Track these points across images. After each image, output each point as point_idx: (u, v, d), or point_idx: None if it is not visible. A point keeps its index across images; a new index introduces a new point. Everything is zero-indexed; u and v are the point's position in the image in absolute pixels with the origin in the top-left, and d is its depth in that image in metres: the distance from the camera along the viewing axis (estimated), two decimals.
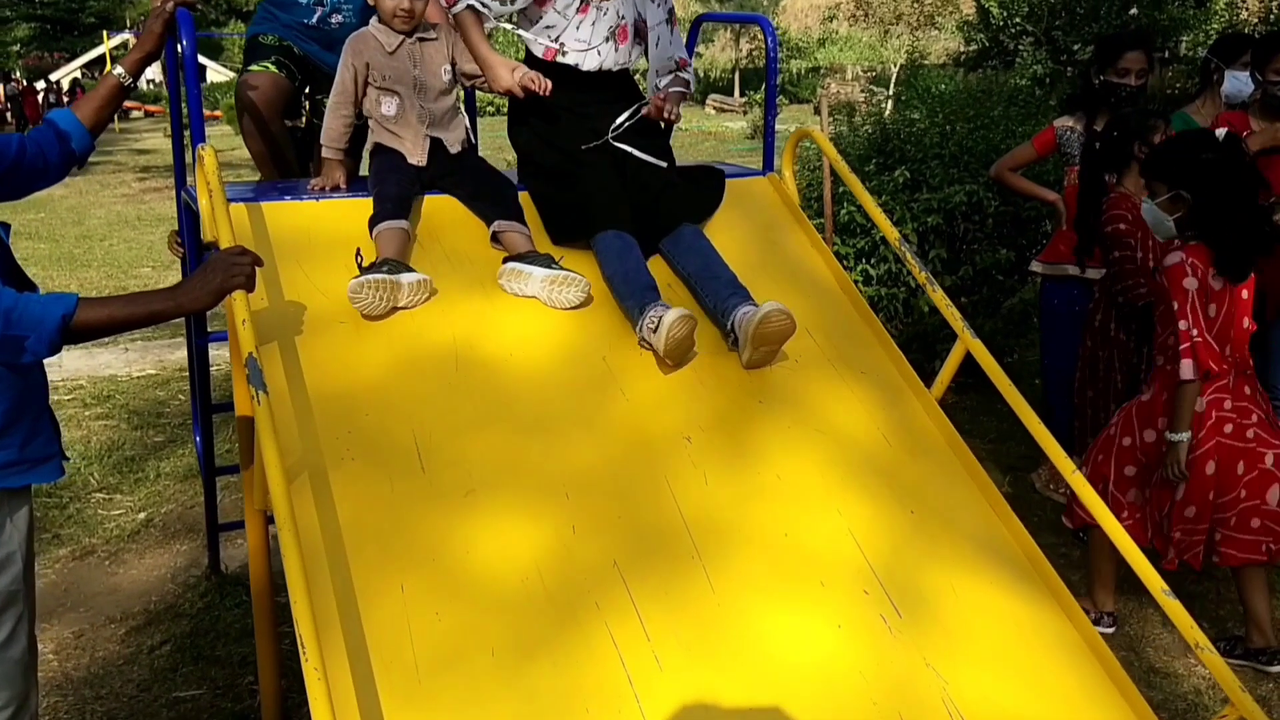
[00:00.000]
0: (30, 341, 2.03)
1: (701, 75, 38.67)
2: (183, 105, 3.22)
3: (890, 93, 22.85)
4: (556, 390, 2.60)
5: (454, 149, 3.04)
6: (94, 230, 13.19)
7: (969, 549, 2.47)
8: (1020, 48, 18.66)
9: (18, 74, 36.76)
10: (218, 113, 26.16)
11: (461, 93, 3.19)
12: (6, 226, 2.35)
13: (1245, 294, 3.31)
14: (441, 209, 3.01)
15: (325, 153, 3.04)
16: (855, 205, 5.52)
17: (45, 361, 2.27)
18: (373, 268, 2.60)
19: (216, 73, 34.56)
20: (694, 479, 2.48)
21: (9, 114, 29.36)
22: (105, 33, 35.58)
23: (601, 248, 2.86)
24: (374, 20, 2.99)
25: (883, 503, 2.54)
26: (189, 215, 3.13)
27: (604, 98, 3.10)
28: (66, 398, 6.36)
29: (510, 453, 2.44)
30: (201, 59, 34.50)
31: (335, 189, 2.99)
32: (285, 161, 3.53)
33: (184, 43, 2.79)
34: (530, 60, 3.07)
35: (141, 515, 4.69)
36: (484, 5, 2.95)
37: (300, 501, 2.15)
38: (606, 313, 2.83)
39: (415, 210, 2.93)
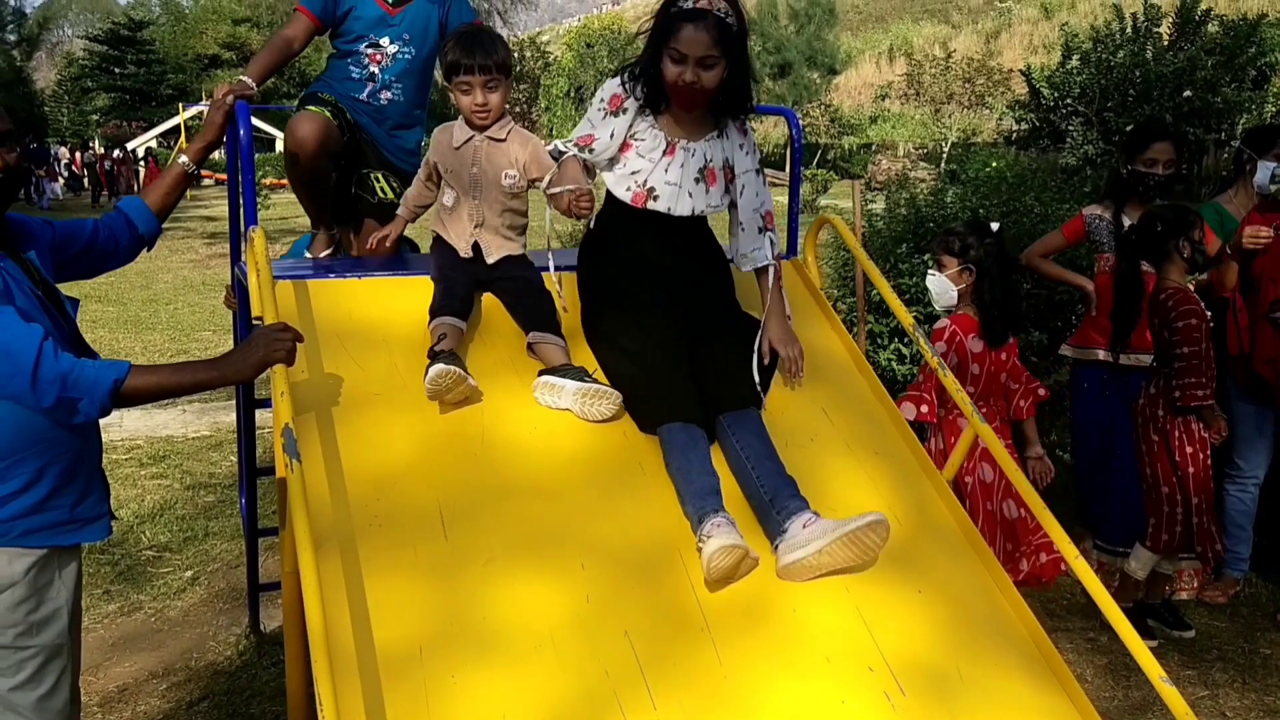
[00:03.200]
0: (83, 404, 2.21)
1: None
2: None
3: (941, 170, 23.08)
4: (577, 464, 2.71)
5: (490, 257, 3.01)
6: (160, 294, 13.66)
7: (975, 631, 2.53)
8: (1070, 128, 18.72)
9: (96, 142, 38.21)
10: (284, 181, 26.98)
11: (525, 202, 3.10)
12: (75, 303, 2.54)
13: (1004, 356, 3.84)
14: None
15: (399, 209, 3.27)
16: (892, 285, 5.62)
17: (104, 421, 2.45)
18: (440, 356, 2.67)
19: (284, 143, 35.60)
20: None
21: (86, 180, 30.49)
22: (181, 104, 37.01)
23: (667, 439, 2.72)
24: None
25: (891, 582, 2.60)
26: (242, 288, 3.32)
27: (689, 246, 2.98)
28: (124, 457, 6.60)
29: (530, 523, 2.55)
30: (271, 129, 35.70)
31: (383, 241, 3.25)
32: (322, 201, 3.55)
33: (241, 131, 3.00)
34: (616, 206, 2.95)
35: (188, 574, 4.85)
36: (580, 150, 2.90)
37: (328, 564, 2.28)
38: None
39: (474, 303, 3.00)
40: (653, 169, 2.88)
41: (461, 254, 3.01)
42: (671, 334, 2.86)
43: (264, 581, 4.22)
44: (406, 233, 3.48)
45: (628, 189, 2.90)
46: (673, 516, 2.62)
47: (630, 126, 2.89)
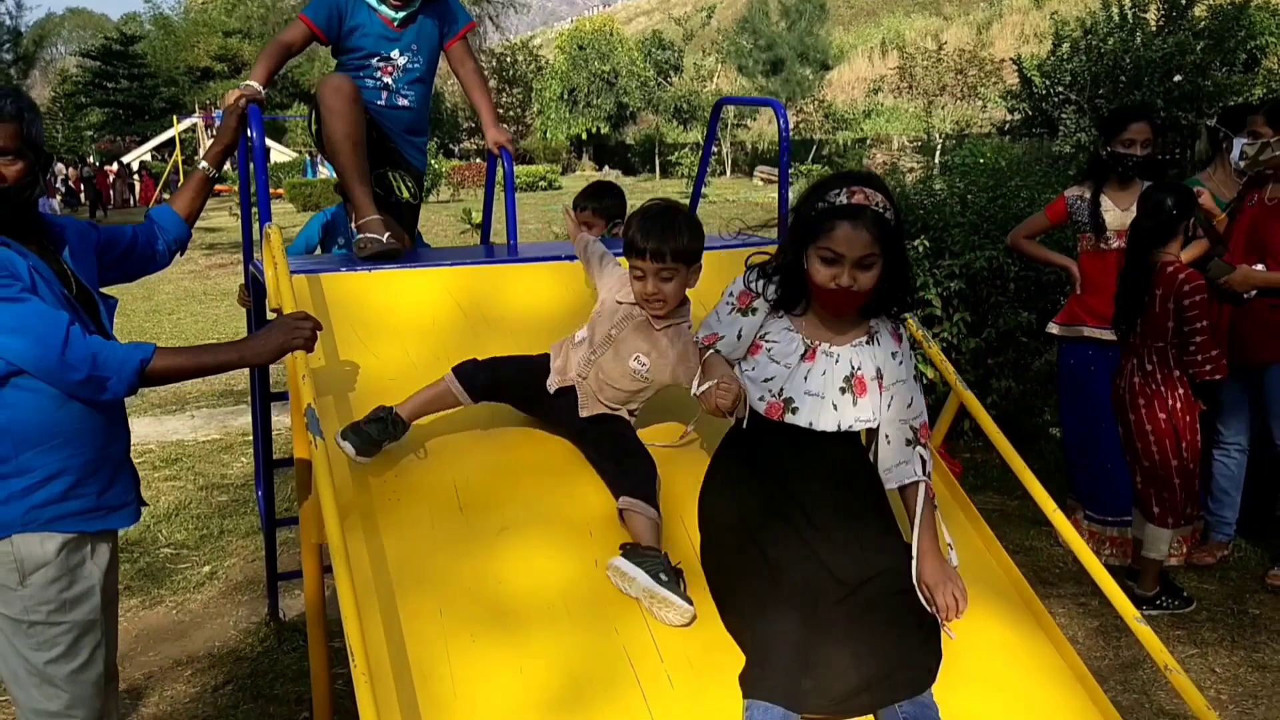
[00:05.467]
0: (112, 382, 2.36)
1: (749, 148, 39.32)
2: (251, 187, 3.58)
3: (936, 162, 23.21)
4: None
5: (584, 411, 2.73)
6: (163, 305, 13.80)
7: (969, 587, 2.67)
8: (1063, 116, 18.85)
9: (92, 157, 38.37)
10: (280, 191, 27.17)
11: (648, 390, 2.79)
12: (114, 303, 2.70)
13: None
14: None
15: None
16: None
17: None
18: (371, 420, 2.60)
19: (280, 154, 35.83)
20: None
21: (83, 195, 30.67)
22: (175, 117, 37.18)
23: (748, 716, 2.26)
24: None
25: None
26: (256, 284, 3.46)
27: (838, 466, 2.56)
28: (137, 460, 6.70)
29: (540, 497, 2.69)
30: (267, 141, 35.92)
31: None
32: (362, 160, 3.41)
33: (253, 134, 3.15)
34: (752, 416, 2.55)
35: (206, 569, 4.99)
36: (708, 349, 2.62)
37: (351, 535, 2.42)
38: None
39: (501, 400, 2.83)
40: (789, 376, 2.52)
41: (549, 385, 2.76)
42: (803, 584, 2.37)
43: (282, 571, 4.36)
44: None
45: (761, 398, 2.53)
46: (676, 487, 2.77)
47: (760, 327, 2.57)
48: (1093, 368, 4.59)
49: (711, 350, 2.60)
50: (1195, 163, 17.21)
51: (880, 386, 2.53)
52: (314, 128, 3.46)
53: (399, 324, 3.03)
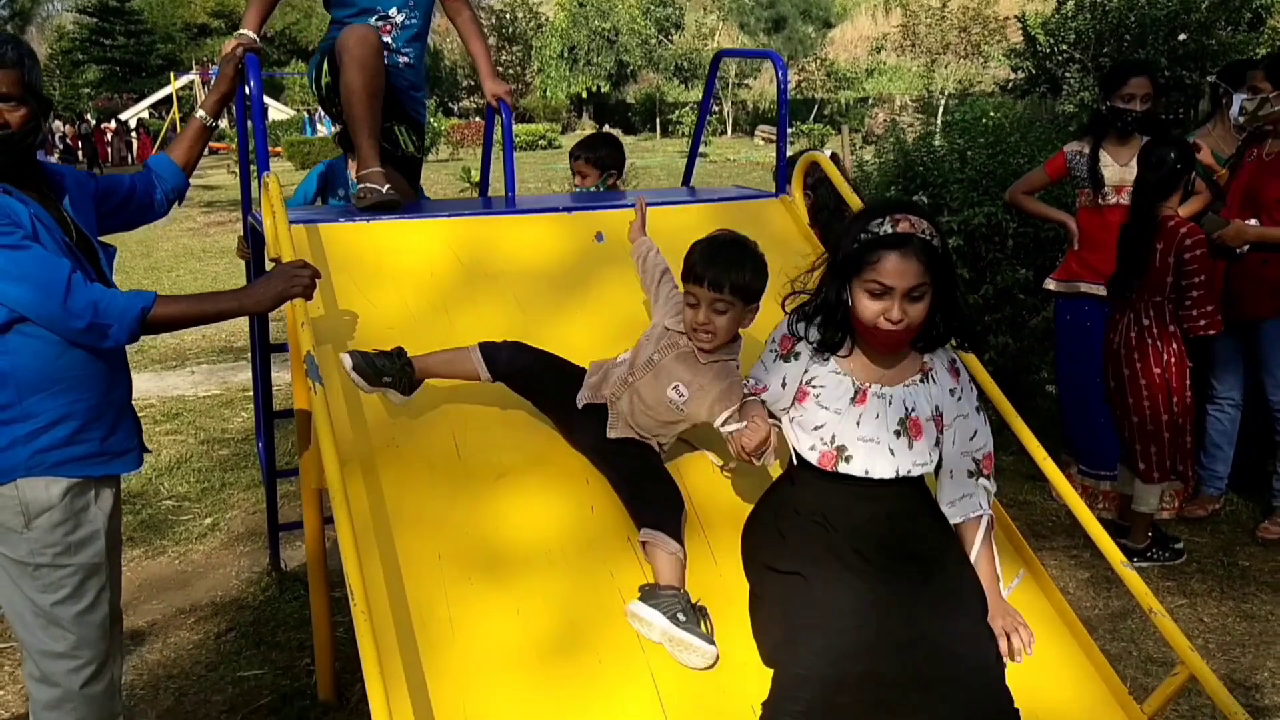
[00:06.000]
0: (114, 330, 2.38)
1: (750, 107, 39.07)
2: (249, 139, 3.58)
3: (938, 121, 23.06)
4: None
5: (613, 433, 2.62)
6: (161, 262, 13.80)
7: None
8: (1067, 75, 18.72)
9: (89, 115, 38.15)
10: (279, 149, 27.05)
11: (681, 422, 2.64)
12: (112, 251, 2.71)
13: None
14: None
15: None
16: None
17: None
18: (383, 354, 2.56)
19: (278, 111, 35.62)
20: (702, 466, 2.76)
21: (81, 152, 30.54)
22: (172, 74, 36.91)
23: None
24: None
25: None
26: (254, 235, 3.48)
27: (900, 515, 2.38)
28: (139, 414, 6.78)
29: (536, 445, 2.72)
30: (265, 99, 35.70)
31: None
32: (378, 117, 3.41)
33: (251, 84, 3.15)
34: (804, 468, 2.42)
35: (208, 520, 5.04)
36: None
37: (350, 480, 2.46)
38: (626, 317, 3.11)
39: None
40: (840, 422, 2.35)
41: (579, 398, 2.66)
42: (868, 640, 2.17)
43: (283, 522, 4.40)
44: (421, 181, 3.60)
45: (812, 447, 2.37)
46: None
47: (805, 372, 2.41)
48: (1089, 323, 4.61)
49: (756, 398, 2.46)
50: (1198, 122, 17.15)
51: (939, 427, 2.37)
52: (320, 82, 3.47)
53: (397, 274, 3.04)
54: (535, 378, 2.69)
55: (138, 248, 14.77)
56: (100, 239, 2.70)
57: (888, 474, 2.34)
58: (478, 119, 33.77)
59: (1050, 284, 4.88)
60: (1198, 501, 4.59)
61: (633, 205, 3.06)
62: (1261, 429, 4.51)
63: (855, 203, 3.56)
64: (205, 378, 7.87)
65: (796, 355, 2.42)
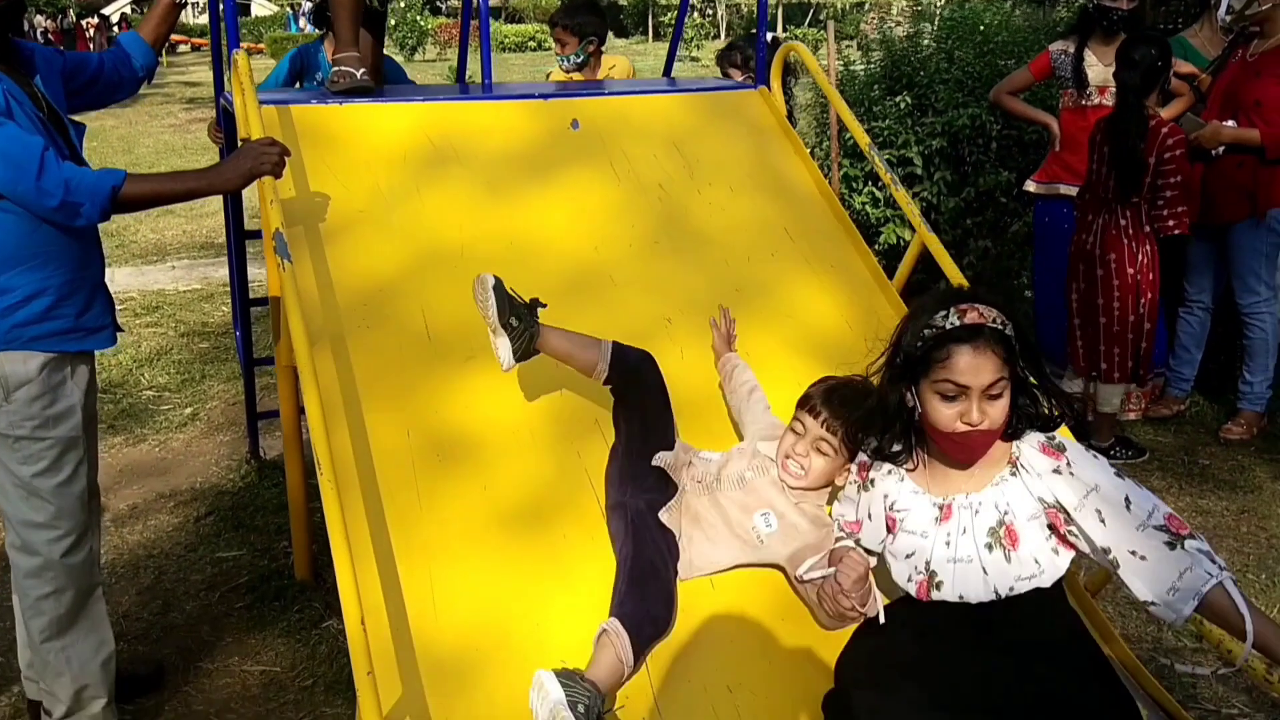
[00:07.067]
0: (85, 208, 2.38)
1: (744, 11, 38.31)
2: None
3: (934, 28, 22.67)
4: (551, 276, 2.89)
5: (663, 514, 2.29)
6: (142, 159, 13.63)
7: None
8: None
9: (71, 9, 37.23)
10: (261, 45, 26.51)
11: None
12: (82, 128, 2.69)
13: None
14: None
15: None
16: (866, 128, 5.73)
17: None
18: (525, 307, 2.40)
19: (262, 7, 34.80)
20: (671, 352, 2.78)
21: (62, 47, 29.94)
22: None
23: None
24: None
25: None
26: (228, 118, 3.45)
27: (1015, 645, 1.98)
28: (119, 308, 6.67)
29: None
30: None
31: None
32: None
33: None
34: (905, 601, 2.13)
35: (188, 410, 5.08)
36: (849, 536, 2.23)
37: (320, 358, 2.48)
38: (599, 204, 3.11)
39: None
40: (929, 545, 2.06)
41: (655, 459, 2.34)
42: None
43: (262, 410, 4.44)
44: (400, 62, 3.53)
45: (909, 578, 2.09)
46: (641, 316, 2.82)
47: (886, 497, 2.15)
48: (1067, 226, 4.61)
49: (846, 538, 2.23)
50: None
51: (1057, 523, 2.00)
52: None
53: (370, 157, 3.03)
54: (649, 396, 2.44)
55: (119, 144, 14.58)
56: (71, 117, 2.69)
57: (984, 596, 2.00)
58: None
59: (1030, 186, 4.88)
60: (1164, 402, 4.67)
61: (613, 94, 3.04)
62: (1230, 332, 4.57)
63: (833, 94, 3.54)
64: (186, 273, 7.85)
65: (873, 482, 2.18)
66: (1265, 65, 4.14)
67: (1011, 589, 1.99)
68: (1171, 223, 4.02)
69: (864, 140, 3.24)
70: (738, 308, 2.95)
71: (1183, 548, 1.91)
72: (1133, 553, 1.93)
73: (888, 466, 2.15)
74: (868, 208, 5.98)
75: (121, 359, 5.68)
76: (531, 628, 2.20)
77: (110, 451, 4.60)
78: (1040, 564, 2.00)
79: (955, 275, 2.91)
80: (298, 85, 4.06)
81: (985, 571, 2.00)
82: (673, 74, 4.53)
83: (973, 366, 1.93)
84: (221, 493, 4.20)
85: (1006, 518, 2.01)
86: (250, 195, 3.42)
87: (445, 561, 2.26)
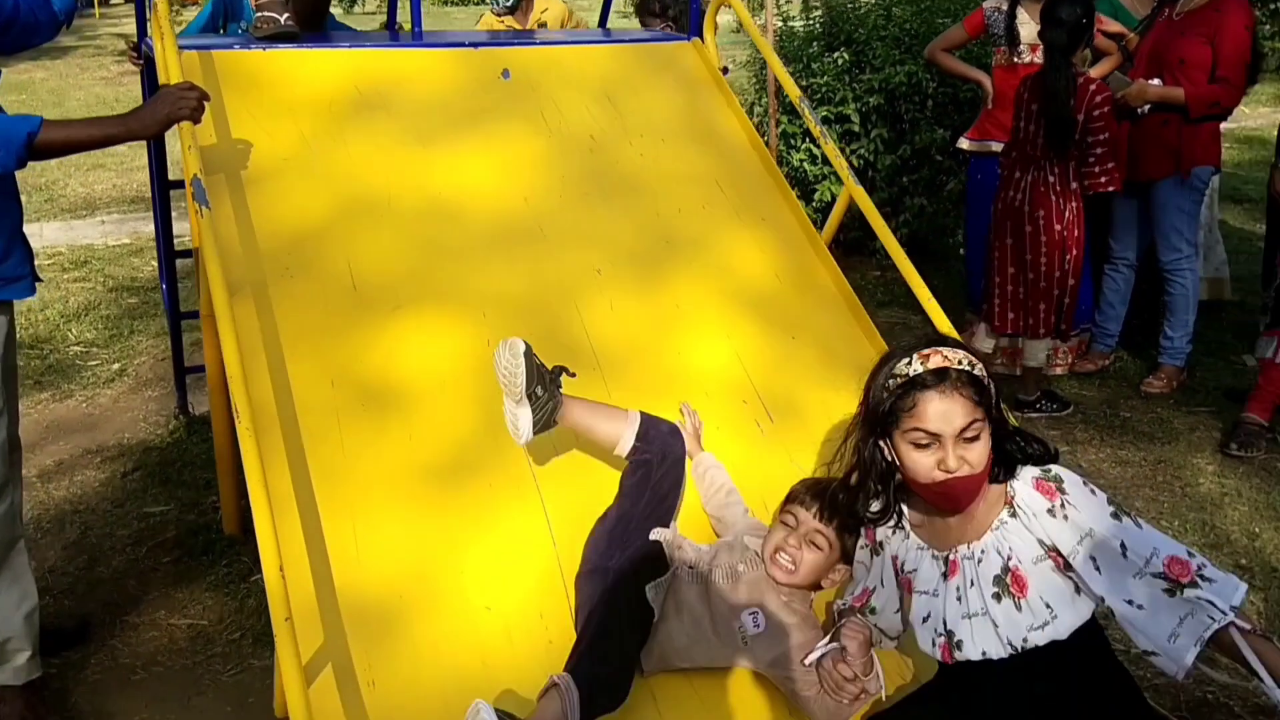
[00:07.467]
0: (0, 155, 2.31)
1: None
2: None
3: None
4: (479, 226, 2.88)
5: (650, 591, 2.13)
6: (73, 111, 13.22)
7: (839, 369, 2.79)
8: None
9: None
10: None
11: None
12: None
13: None
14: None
15: None
16: (804, 85, 5.74)
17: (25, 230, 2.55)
18: (550, 377, 2.28)
19: None
20: (601, 304, 2.79)
21: None
22: None
23: None
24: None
25: (768, 329, 2.85)
26: (150, 65, 3.36)
27: (1049, 700, 1.89)
28: (46, 263, 6.61)
29: (434, 278, 2.73)
30: None
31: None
32: None
33: None
34: (940, 671, 2.06)
35: (116, 366, 4.99)
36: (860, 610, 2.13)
37: (241, 306, 2.45)
38: (529, 155, 3.09)
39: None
40: (941, 604, 1.95)
41: (652, 532, 2.26)
42: None
43: (190, 365, 4.38)
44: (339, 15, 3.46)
45: (933, 642, 1.98)
46: (571, 268, 2.82)
47: (896, 558, 2.05)
48: (999, 183, 4.67)
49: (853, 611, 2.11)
50: None
51: (1060, 566, 1.86)
52: None
53: (294, 104, 2.98)
54: (670, 471, 2.33)
55: (49, 97, 14.13)
56: None
57: (1000, 653, 1.87)
58: None
59: (964, 143, 4.92)
60: (1089, 357, 4.76)
61: (545, 44, 3.01)
62: (1154, 289, 4.67)
63: (764, 46, 3.54)
64: (116, 227, 7.67)
65: (881, 545, 2.08)
66: (1190, 25, 4.21)
67: (1025, 640, 1.85)
68: (1104, 179, 4.08)
69: (794, 93, 3.25)
70: (669, 259, 2.96)
71: (1182, 595, 1.79)
72: (1129, 602, 1.81)
73: (890, 526, 2.05)
74: (805, 165, 6.00)
75: (49, 314, 5.55)
76: (455, 575, 2.21)
77: (37, 408, 4.50)
78: (1053, 609, 1.84)
79: (882, 229, 2.94)
80: (221, 31, 3.96)
81: (995, 624, 1.87)
82: (608, 25, 4.49)
83: (942, 412, 1.84)
84: (149, 448, 4.14)
85: (1010, 563, 1.87)
86: (175, 145, 3.35)
87: (369, 510, 2.25)
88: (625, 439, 2.31)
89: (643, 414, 2.36)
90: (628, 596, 2.10)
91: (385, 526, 2.24)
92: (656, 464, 2.31)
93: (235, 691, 2.77)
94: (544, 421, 2.25)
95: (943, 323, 2.73)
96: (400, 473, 2.33)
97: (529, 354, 2.22)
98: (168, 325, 4.50)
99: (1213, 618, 1.76)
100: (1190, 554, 1.82)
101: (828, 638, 2.08)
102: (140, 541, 3.46)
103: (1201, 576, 1.80)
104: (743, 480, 2.49)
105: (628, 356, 2.68)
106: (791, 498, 2.28)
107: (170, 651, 2.93)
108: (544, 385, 2.24)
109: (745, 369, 2.73)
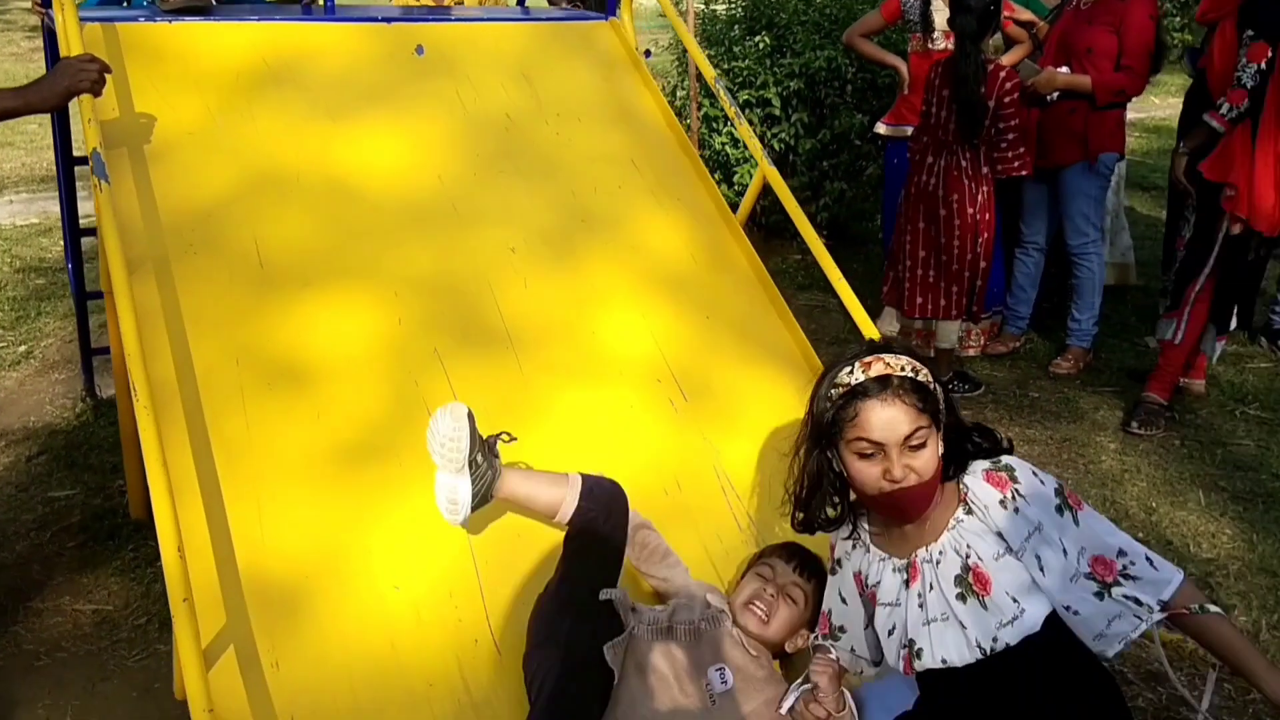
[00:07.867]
0: None
1: None
2: None
3: None
4: (391, 204, 2.84)
5: (609, 653, 2.05)
6: None
7: (752, 348, 2.82)
8: None
9: None
10: None
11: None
12: None
13: None
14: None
15: None
16: (726, 69, 5.76)
17: None
18: (488, 449, 2.20)
19: None
20: (514, 283, 2.78)
21: None
22: None
23: None
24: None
25: (683, 309, 2.86)
26: (51, 35, 3.26)
27: (1026, 700, 1.84)
28: None
29: (345, 256, 2.69)
30: None
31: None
32: None
33: None
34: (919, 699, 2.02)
35: (22, 348, 4.84)
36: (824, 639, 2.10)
37: (142, 283, 2.39)
38: (443, 132, 3.06)
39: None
40: (904, 613, 1.91)
41: (602, 593, 2.13)
42: None
43: (97, 347, 4.26)
44: None
45: (898, 655, 1.93)
46: (485, 247, 2.80)
47: (859, 573, 2.01)
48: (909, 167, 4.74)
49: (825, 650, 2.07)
50: None
51: (1021, 559, 1.83)
52: None
53: (200, 77, 2.91)
54: (614, 535, 2.22)
55: None
56: None
57: (968, 657, 1.83)
58: None
59: (881, 128, 4.99)
60: (1001, 339, 4.87)
61: (460, 20, 2.98)
62: (1063, 272, 4.79)
63: (680, 27, 3.55)
64: (24, 206, 7.44)
65: (840, 563, 2.04)
66: (1097, 14, 4.31)
67: (995, 639, 1.81)
68: (1017, 164, 4.16)
69: (710, 73, 3.26)
70: (584, 239, 2.96)
71: (1110, 596, 1.81)
72: (1066, 607, 1.82)
73: (850, 540, 2.01)
74: (727, 148, 6.02)
75: None
76: (363, 555, 2.20)
77: None
78: (1019, 601, 1.81)
79: (795, 209, 2.98)
80: (126, 3, 3.85)
81: (963, 625, 1.83)
82: (527, 3, 4.46)
83: (884, 421, 1.79)
84: (55, 431, 4.03)
85: (970, 561, 1.83)
86: (80, 121, 3.27)
87: (275, 491, 2.22)
88: (567, 503, 2.21)
89: (583, 476, 2.27)
90: (583, 658, 2.00)
91: (292, 507, 2.21)
92: (602, 520, 2.21)
93: (141, 676, 2.72)
94: (482, 494, 2.15)
95: (854, 305, 2.78)
96: (308, 453, 2.30)
97: (472, 418, 2.14)
98: (73, 296, 4.38)
99: (1140, 617, 1.80)
100: (1122, 550, 1.83)
101: (800, 679, 2.04)
102: (45, 526, 3.37)
103: (1125, 575, 1.81)
104: (656, 458, 2.52)
105: (542, 336, 2.67)
106: (768, 552, 2.27)
107: (75, 637, 2.87)
108: (483, 453, 2.16)
109: (660, 348, 2.75)
